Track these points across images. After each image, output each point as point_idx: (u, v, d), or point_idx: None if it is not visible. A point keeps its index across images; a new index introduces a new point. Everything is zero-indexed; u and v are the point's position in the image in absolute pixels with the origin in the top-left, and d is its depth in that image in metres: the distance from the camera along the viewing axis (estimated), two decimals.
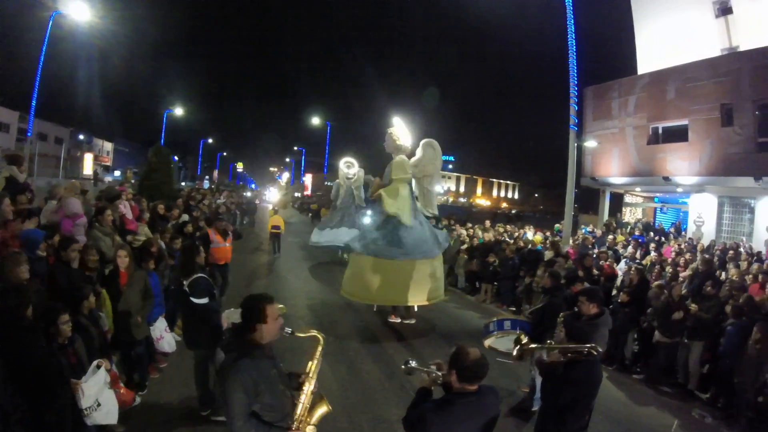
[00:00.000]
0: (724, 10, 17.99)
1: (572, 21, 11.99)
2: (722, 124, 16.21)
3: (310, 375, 2.89)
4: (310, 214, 31.88)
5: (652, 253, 11.46)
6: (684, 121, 17.47)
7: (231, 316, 4.85)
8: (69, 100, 45.71)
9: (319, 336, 3.06)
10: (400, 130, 9.05)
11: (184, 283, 4.77)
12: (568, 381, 3.51)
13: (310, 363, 2.94)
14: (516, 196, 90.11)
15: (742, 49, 16.69)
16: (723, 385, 6.55)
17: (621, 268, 10.27)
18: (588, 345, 3.49)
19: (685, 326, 7.12)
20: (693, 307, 7.22)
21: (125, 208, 8.02)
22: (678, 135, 17.91)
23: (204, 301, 4.76)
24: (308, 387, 2.84)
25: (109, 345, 4.90)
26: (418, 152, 9.10)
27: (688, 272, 9.32)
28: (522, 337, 3.71)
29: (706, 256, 10.28)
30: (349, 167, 14.49)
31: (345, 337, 8.01)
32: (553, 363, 3.65)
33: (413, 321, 9.02)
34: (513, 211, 56.82)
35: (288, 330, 2.97)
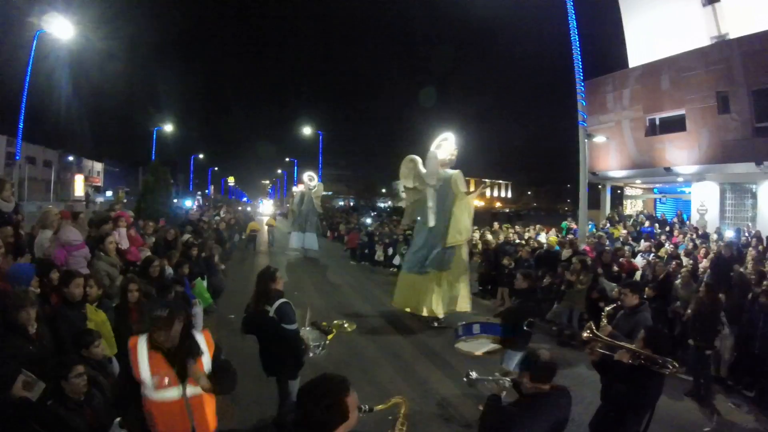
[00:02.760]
0: None
1: (573, 15, 11.84)
2: (719, 111, 16.22)
3: None
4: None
5: (667, 246, 11.30)
6: (680, 111, 17.47)
7: (306, 337, 4.66)
8: (56, 121, 45.11)
9: (400, 401, 2.56)
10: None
11: (269, 309, 4.44)
12: (636, 385, 3.47)
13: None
14: (509, 195, 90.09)
15: (731, 36, 16.71)
16: (757, 371, 6.44)
17: (637, 262, 10.10)
18: (665, 358, 3.47)
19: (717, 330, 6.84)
20: (720, 296, 7.04)
21: (119, 236, 7.09)
22: (675, 125, 17.89)
23: (295, 326, 4.50)
24: None
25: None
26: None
27: (705, 262, 9.17)
28: (592, 325, 3.86)
29: (722, 243, 10.13)
30: (311, 180, 19.43)
31: (369, 360, 7.56)
32: (618, 362, 3.61)
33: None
34: (508, 210, 56.73)
35: (365, 407, 2.21)
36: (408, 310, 9.57)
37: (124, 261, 6.65)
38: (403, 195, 10.17)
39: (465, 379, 3.33)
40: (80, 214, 8.40)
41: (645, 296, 7.74)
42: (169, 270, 7.01)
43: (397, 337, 8.84)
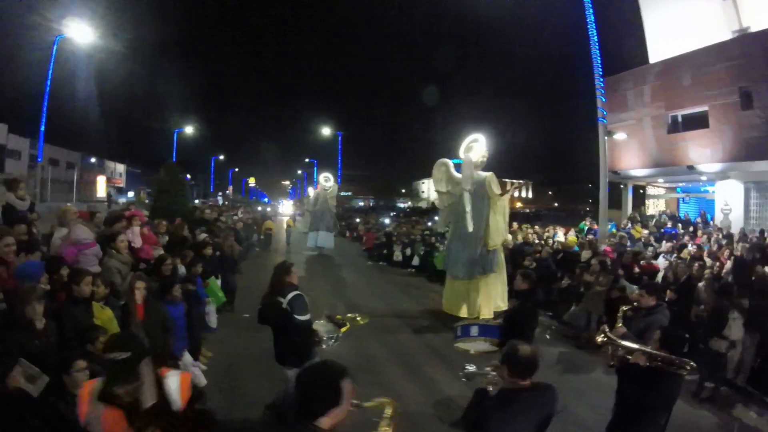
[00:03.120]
0: None
1: (591, 10, 11.59)
2: (742, 108, 15.76)
3: None
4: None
5: (690, 247, 10.97)
6: (703, 107, 17.04)
7: (319, 329, 4.82)
8: (78, 123, 46.00)
9: (387, 401, 2.64)
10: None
11: (282, 301, 4.64)
12: (652, 388, 3.42)
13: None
14: (529, 195, 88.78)
15: (753, 29, 16.23)
16: None
17: (659, 263, 9.84)
18: (681, 359, 3.42)
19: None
20: (743, 301, 6.78)
21: (132, 234, 7.04)
22: (698, 122, 17.46)
23: (307, 317, 4.67)
24: None
25: None
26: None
27: (730, 264, 8.86)
28: (605, 328, 3.88)
29: (746, 244, 9.81)
30: (327, 180, 20.13)
31: (377, 359, 7.47)
32: (634, 365, 3.55)
33: None
34: (528, 210, 55.99)
35: (355, 401, 2.26)
36: (460, 314, 9.42)
37: (137, 259, 6.65)
38: (425, 195, 10.28)
39: (461, 373, 3.49)
40: (97, 213, 8.47)
41: (666, 299, 7.52)
42: (182, 268, 7.01)
43: (407, 336, 8.73)
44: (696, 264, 8.58)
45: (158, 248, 7.65)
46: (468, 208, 9.22)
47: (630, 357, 3.59)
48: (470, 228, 9.15)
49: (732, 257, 9.38)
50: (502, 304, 9.29)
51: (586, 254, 10.16)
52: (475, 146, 9.57)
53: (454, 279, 9.74)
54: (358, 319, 5.21)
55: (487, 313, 9.09)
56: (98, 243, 6.12)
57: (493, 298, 9.32)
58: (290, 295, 4.62)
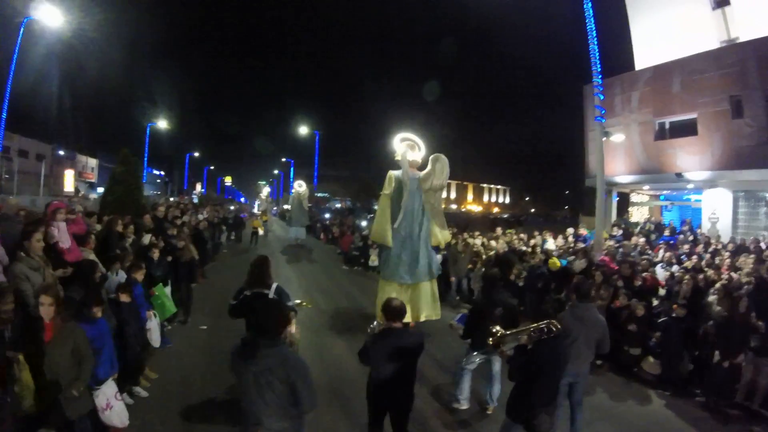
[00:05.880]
0: (721, 2, 17.34)
1: (590, 6, 10.75)
2: (732, 116, 15.58)
3: None
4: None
5: (686, 259, 10.24)
6: (692, 115, 16.82)
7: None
8: (50, 115, 43.97)
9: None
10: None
11: (267, 292, 4.97)
12: (533, 358, 3.86)
13: None
14: (507, 201, 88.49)
15: (741, 40, 16.00)
16: None
17: (658, 273, 9.10)
18: (545, 321, 3.90)
19: (747, 345, 6.13)
20: (759, 324, 6.12)
21: (58, 231, 5.66)
22: (686, 129, 17.21)
23: (292, 303, 5.19)
24: None
25: None
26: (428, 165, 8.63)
27: (745, 278, 8.12)
28: (492, 329, 4.16)
29: (753, 257, 9.10)
30: (300, 186, 23.65)
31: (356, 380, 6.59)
32: (523, 346, 3.97)
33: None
34: (507, 216, 55.50)
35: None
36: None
37: (63, 262, 5.32)
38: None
39: (368, 330, 4.17)
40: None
41: (674, 314, 6.77)
42: (121, 274, 5.91)
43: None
44: (701, 276, 7.87)
45: (88, 251, 6.15)
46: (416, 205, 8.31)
47: (519, 341, 3.98)
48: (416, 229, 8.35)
49: (736, 270, 8.66)
50: (432, 314, 8.46)
51: (579, 264, 9.22)
52: (417, 149, 8.50)
53: (394, 283, 8.44)
54: (304, 304, 5.88)
55: (426, 316, 8.31)
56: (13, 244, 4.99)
57: (430, 302, 8.45)
58: (275, 286, 5.07)
